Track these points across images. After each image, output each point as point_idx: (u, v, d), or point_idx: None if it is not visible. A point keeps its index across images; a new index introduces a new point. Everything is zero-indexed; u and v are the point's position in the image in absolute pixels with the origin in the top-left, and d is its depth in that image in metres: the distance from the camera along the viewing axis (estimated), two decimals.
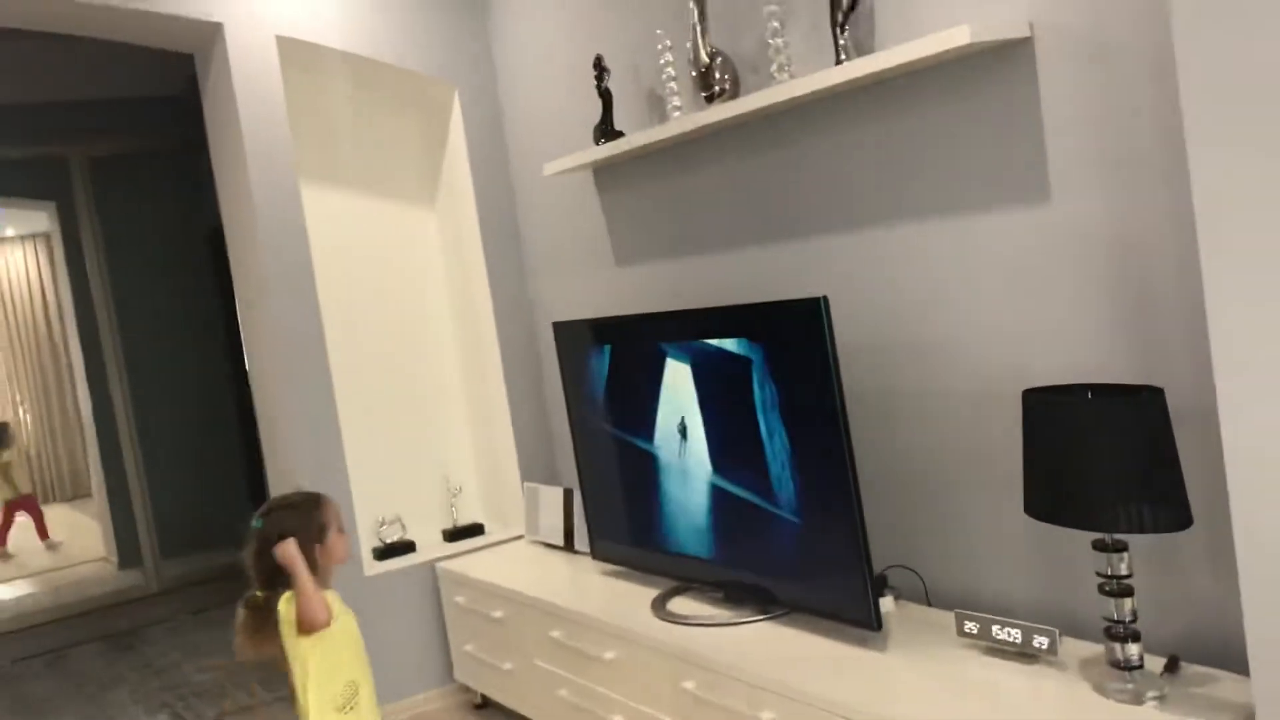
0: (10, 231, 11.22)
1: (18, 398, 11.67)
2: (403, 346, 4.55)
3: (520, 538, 4.37)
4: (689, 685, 2.89)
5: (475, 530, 4.50)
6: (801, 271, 3.14)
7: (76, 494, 11.57)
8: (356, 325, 4.42)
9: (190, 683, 5.01)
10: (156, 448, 6.73)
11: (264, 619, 2.52)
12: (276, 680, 4.70)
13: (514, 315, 4.47)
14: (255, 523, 2.56)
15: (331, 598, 2.55)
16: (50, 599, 6.79)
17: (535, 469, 4.48)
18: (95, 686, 5.17)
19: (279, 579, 2.51)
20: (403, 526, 4.41)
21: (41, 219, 8.78)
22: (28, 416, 11.77)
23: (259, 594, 2.54)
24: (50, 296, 11.24)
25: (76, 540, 8.95)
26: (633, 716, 3.14)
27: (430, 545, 4.44)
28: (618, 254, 3.91)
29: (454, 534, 4.49)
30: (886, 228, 2.88)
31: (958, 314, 2.74)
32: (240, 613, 2.55)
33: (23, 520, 9.09)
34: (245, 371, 7.40)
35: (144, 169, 6.93)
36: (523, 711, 3.76)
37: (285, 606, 2.53)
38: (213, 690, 4.84)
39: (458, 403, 4.68)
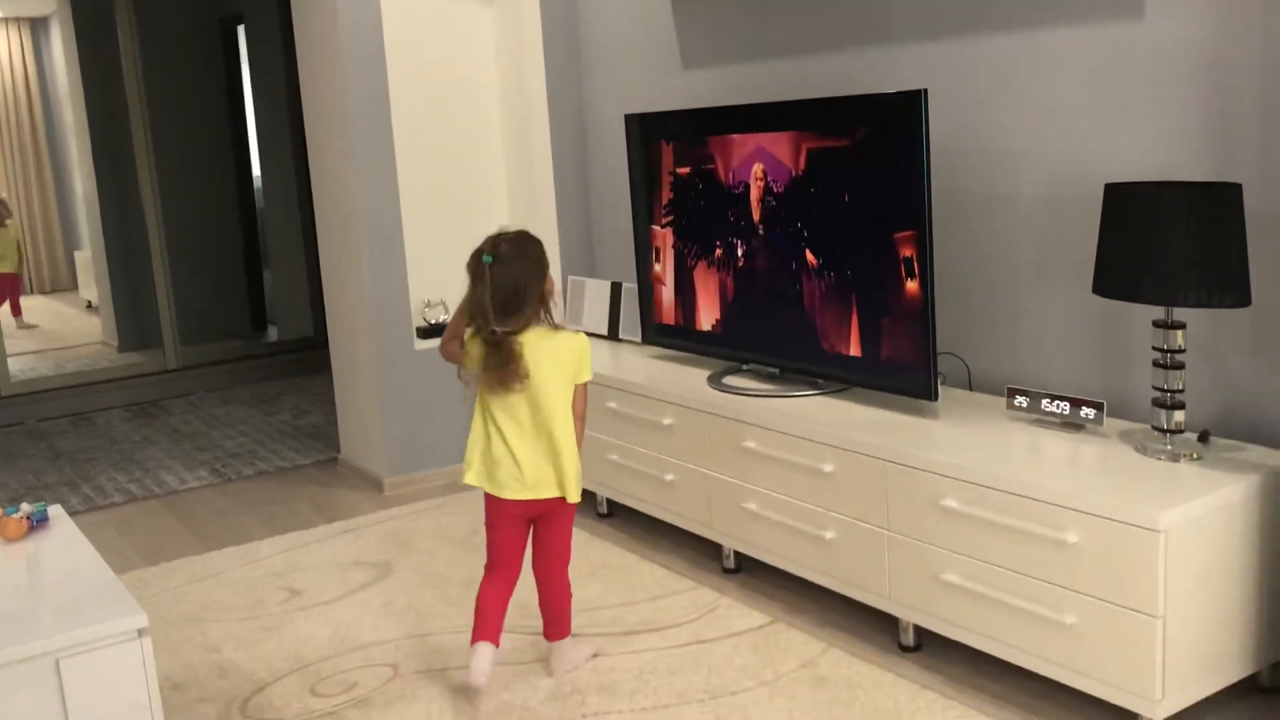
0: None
1: None
2: (454, 139, 4.68)
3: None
4: (750, 444, 3.18)
5: None
6: (878, 78, 3.33)
7: (56, 287, 11.57)
8: (414, 116, 4.54)
9: (222, 446, 5.25)
10: (175, 237, 6.82)
11: (503, 353, 2.60)
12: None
13: (568, 114, 4.61)
14: (485, 258, 2.59)
15: None
16: (54, 370, 6.92)
17: (576, 265, 4.69)
18: (129, 444, 5.39)
19: (513, 310, 2.59)
20: (445, 309, 4.63)
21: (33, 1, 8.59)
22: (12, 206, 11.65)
23: (496, 329, 2.59)
24: (34, 81, 11.03)
25: (65, 326, 9.02)
26: (688, 476, 3.44)
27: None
28: (685, 56, 4.06)
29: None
30: (972, 37, 3.07)
31: (1035, 122, 2.96)
32: (478, 343, 2.64)
33: None
34: (248, 170, 7.54)
35: None
36: None
37: (546, 341, 2.66)
38: (245, 453, 5.08)
39: (502, 197, 4.84)
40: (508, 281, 2.59)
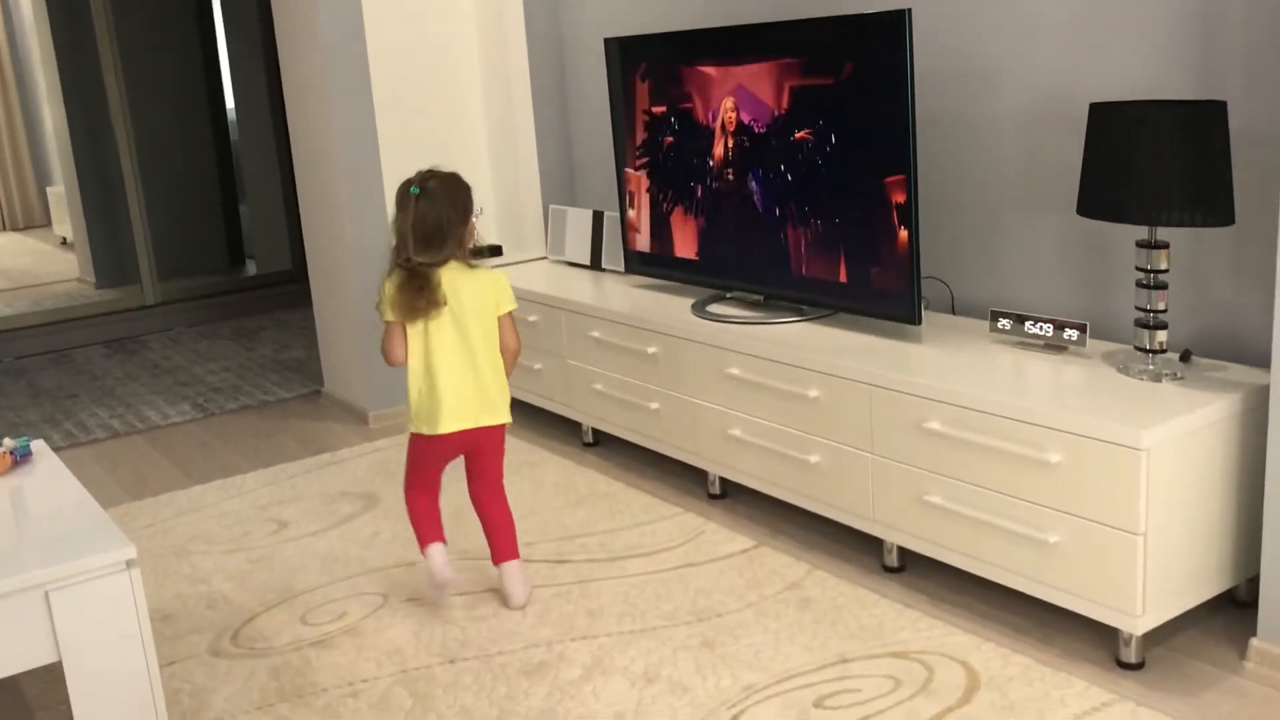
0: None
1: None
2: (431, 69, 4.61)
3: (542, 259, 4.58)
4: (735, 371, 3.19)
5: (495, 251, 4.70)
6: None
7: (29, 223, 11.42)
8: (390, 46, 4.46)
9: (205, 381, 5.23)
10: (149, 171, 6.71)
11: (418, 280, 2.68)
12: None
13: (546, 38, 4.54)
14: (413, 189, 2.68)
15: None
16: (32, 308, 6.86)
17: (556, 193, 4.66)
18: (110, 380, 5.36)
19: (434, 245, 2.68)
20: None
21: None
22: None
23: (414, 259, 2.67)
24: None
25: (39, 264, 8.92)
26: (673, 404, 3.45)
27: None
28: None
29: (473, 253, 4.65)
30: None
31: (1018, 41, 2.93)
32: (397, 273, 2.71)
33: None
34: (221, 101, 7.42)
35: None
36: (550, 408, 4.06)
37: (463, 277, 2.72)
38: (227, 388, 5.06)
39: (481, 126, 4.79)
40: (430, 216, 2.68)
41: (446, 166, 2.78)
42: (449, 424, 2.76)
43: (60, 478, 2.59)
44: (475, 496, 2.90)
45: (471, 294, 2.74)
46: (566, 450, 3.93)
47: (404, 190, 2.70)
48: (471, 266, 2.77)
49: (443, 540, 2.86)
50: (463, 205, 2.75)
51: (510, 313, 2.82)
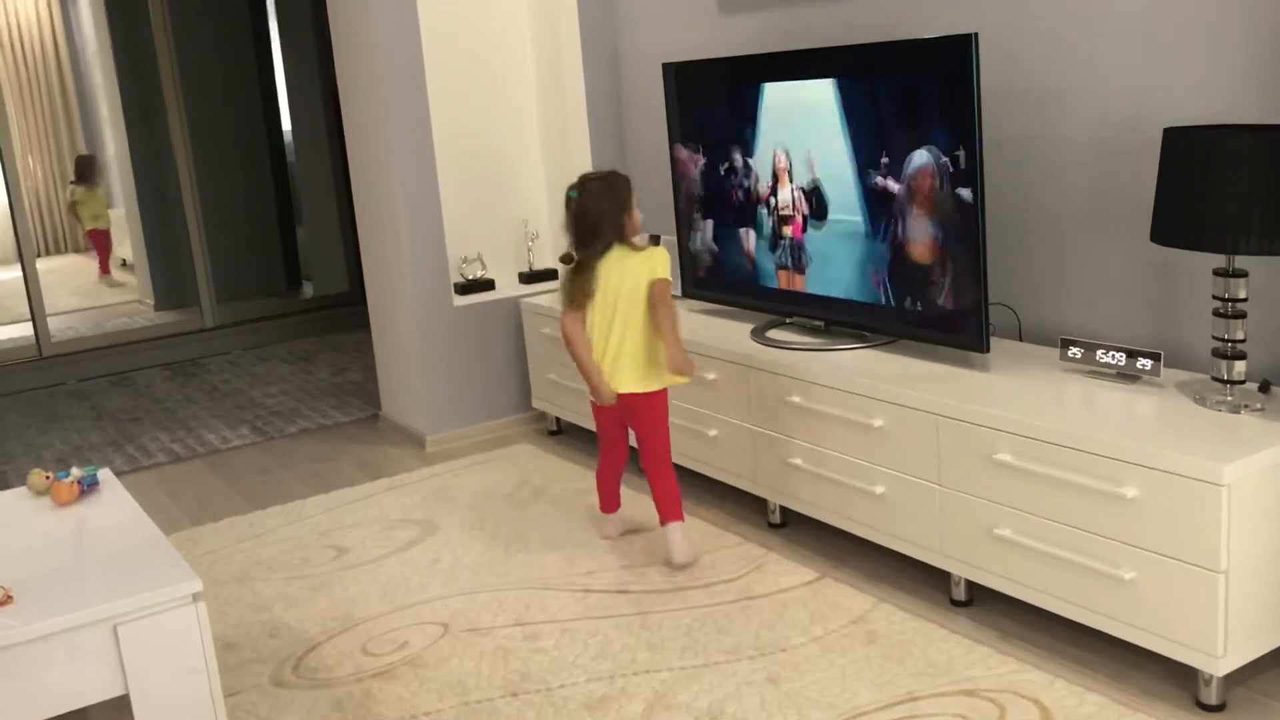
0: None
1: (27, 149, 11.55)
2: (488, 91, 4.63)
3: None
4: (796, 399, 3.15)
5: (550, 275, 4.69)
6: (923, 19, 3.24)
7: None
8: (448, 68, 4.48)
9: (263, 404, 5.27)
10: (208, 195, 6.81)
11: (580, 274, 3.07)
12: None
13: (603, 62, 4.54)
14: (571, 193, 3.06)
15: None
16: (94, 330, 6.96)
17: None
18: (171, 403, 5.42)
19: (590, 239, 3.05)
20: (482, 264, 4.60)
21: None
22: (38, 168, 11.69)
23: (573, 253, 3.10)
24: (62, 41, 11.01)
25: (102, 286, 9.06)
26: (731, 431, 3.42)
27: (506, 286, 4.65)
28: (723, 2, 3.97)
29: (530, 277, 4.69)
30: None
31: (1083, 62, 2.88)
32: (562, 269, 3.16)
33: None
34: (278, 125, 7.50)
35: None
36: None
37: (625, 260, 3.05)
38: (286, 411, 5.10)
39: (536, 149, 4.79)
40: (586, 214, 3.04)
41: (602, 167, 3.26)
42: (609, 390, 3.10)
43: (126, 507, 2.61)
44: (641, 460, 3.23)
45: (627, 274, 3.04)
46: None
47: (567, 194, 3.09)
48: (635, 249, 3.06)
49: (613, 510, 3.37)
50: (620, 197, 3.06)
51: (662, 280, 3.04)
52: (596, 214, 3.02)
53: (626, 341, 3.07)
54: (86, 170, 9.06)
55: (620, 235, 3.05)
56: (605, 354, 3.09)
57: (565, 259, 3.14)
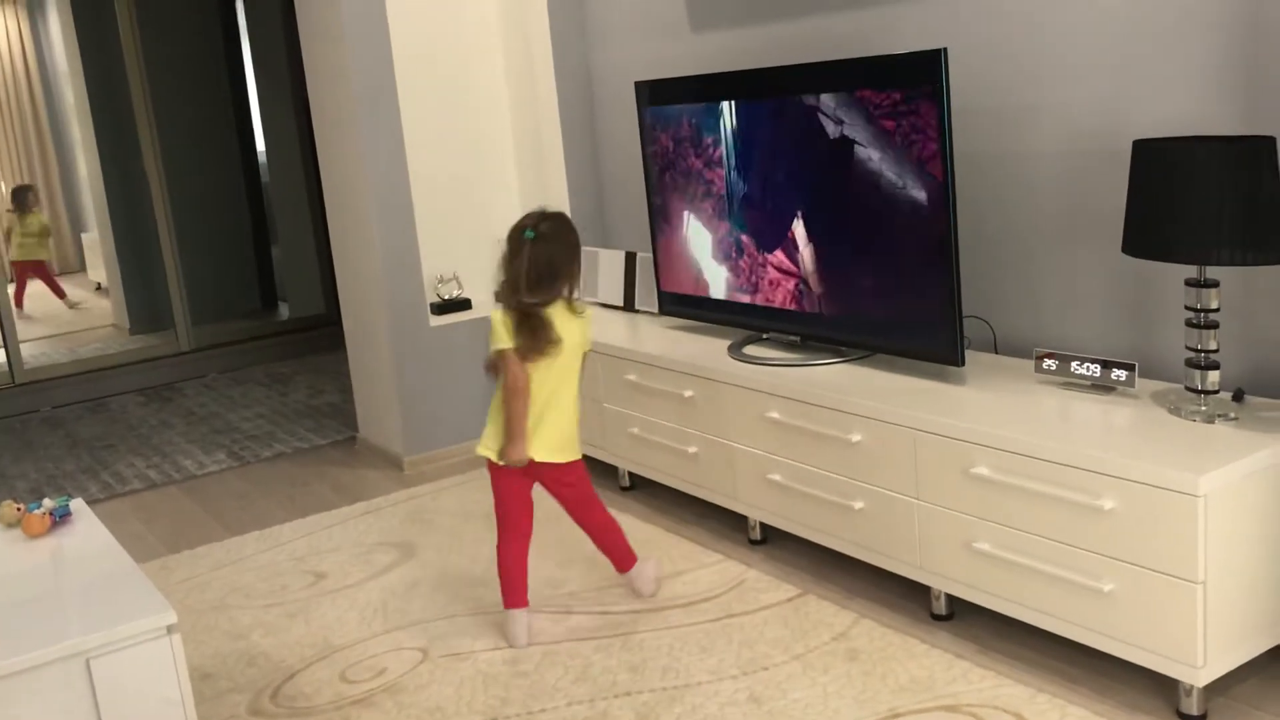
0: None
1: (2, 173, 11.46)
2: (461, 110, 4.62)
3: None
4: (774, 414, 3.15)
5: None
6: (893, 34, 3.26)
7: (64, 269, 11.54)
8: (420, 87, 4.47)
9: (239, 428, 5.23)
10: (182, 217, 6.77)
11: (533, 321, 2.80)
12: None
13: (575, 81, 4.54)
14: (527, 233, 2.77)
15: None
16: (68, 356, 6.91)
17: (587, 235, 4.63)
18: (146, 429, 5.38)
19: (544, 286, 2.80)
20: (458, 284, 4.58)
21: None
22: (9, 192, 11.59)
23: (525, 300, 2.79)
24: (33, 62, 10.93)
25: (75, 310, 8.98)
26: (710, 447, 3.41)
27: (483, 305, 4.63)
28: (694, 18, 3.98)
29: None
30: None
31: (1055, 76, 2.89)
32: (511, 314, 2.80)
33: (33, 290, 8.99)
34: (251, 146, 7.47)
35: None
36: (586, 452, 4.01)
37: (568, 319, 2.85)
38: (262, 435, 5.06)
39: (511, 168, 4.78)
40: (543, 259, 2.78)
41: (551, 206, 2.94)
42: (538, 454, 2.87)
43: (99, 538, 2.57)
44: (579, 520, 3.05)
45: (572, 336, 2.86)
46: (603, 495, 3.85)
47: (518, 234, 2.80)
48: (575, 310, 2.88)
49: (524, 604, 2.97)
50: (573, 245, 2.87)
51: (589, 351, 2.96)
52: (557, 260, 2.80)
53: (557, 405, 2.86)
54: (21, 199, 8.99)
55: (571, 287, 2.85)
56: (547, 415, 2.85)
57: (510, 301, 2.81)
